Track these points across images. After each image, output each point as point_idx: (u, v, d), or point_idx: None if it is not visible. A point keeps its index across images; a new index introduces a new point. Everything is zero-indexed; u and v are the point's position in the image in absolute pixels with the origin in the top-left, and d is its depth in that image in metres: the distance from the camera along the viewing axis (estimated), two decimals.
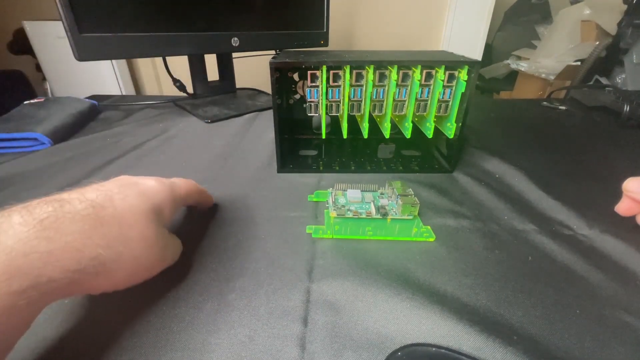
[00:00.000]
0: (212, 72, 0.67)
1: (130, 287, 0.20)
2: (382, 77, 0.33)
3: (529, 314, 0.21)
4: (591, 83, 1.09)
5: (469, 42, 1.15)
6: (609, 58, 1.08)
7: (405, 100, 0.34)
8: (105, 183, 0.21)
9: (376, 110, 0.35)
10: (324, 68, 0.32)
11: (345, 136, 0.36)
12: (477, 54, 1.18)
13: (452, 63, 0.32)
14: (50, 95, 1.23)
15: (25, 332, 0.15)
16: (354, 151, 0.44)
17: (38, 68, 1.21)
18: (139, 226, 0.19)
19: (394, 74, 0.32)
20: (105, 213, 0.18)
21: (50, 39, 1.11)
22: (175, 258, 0.23)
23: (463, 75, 0.32)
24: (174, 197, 0.23)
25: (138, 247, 0.19)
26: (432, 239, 0.27)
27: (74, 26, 0.42)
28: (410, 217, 0.29)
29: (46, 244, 0.15)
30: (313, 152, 0.43)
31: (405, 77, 0.33)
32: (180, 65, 0.64)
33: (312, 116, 0.36)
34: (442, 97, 0.33)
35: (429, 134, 0.35)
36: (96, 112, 0.60)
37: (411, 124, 0.35)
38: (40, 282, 0.14)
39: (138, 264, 0.19)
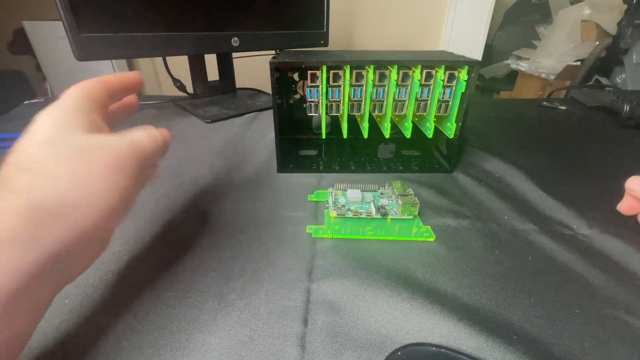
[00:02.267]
0: (212, 72, 0.67)
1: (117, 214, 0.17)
2: (382, 77, 0.33)
3: (529, 314, 0.21)
4: (591, 83, 1.09)
5: (469, 42, 1.16)
6: (609, 58, 1.08)
7: (405, 100, 0.34)
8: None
9: (376, 110, 0.35)
10: (324, 68, 0.32)
11: (345, 136, 0.36)
12: (477, 54, 1.18)
13: (452, 63, 0.32)
14: (50, 95, 1.23)
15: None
16: (354, 151, 0.44)
17: (38, 68, 1.20)
18: (57, 150, 0.16)
19: (394, 74, 0.32)
20: (20, 161, 0.16)
21: (50, 39, 1.11)
22: (135, 150, 0.18)
23: (463, 75, 0.32)
24: (73, 109, 0.18)
25: (85, 185, 0.16)
26: (432, 239, 0.27)
27: (74, 26, 0.42)
28: (410, 217, 0.29)
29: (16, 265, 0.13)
30: (313, 152, 0.43)
31: (405, 77, 0.33)
32: (180, 65, 0.64)
33: (312, 116, 0.36)
34: (442, 97, 0.33)
35: (429, 134, 0.35)
36: None
37: (411, 124, 0.35)
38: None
39: (107, 196, 0.16)
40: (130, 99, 0.25)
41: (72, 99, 0.19)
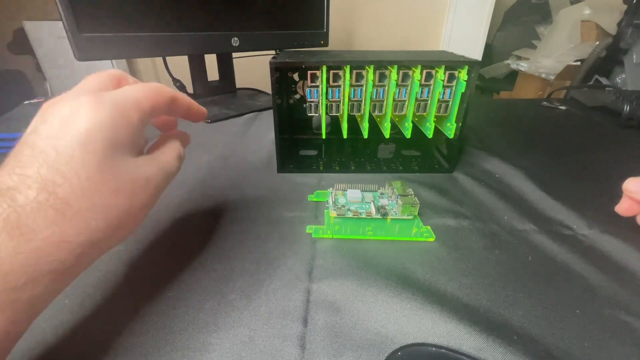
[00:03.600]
0: (212, 72, 0.67)
1: (137, 227, 0.19)
2: (382, 77, 0.33)
3: (529, 314, 0.21)
4: (591, 83, 1.09)
5: (469, 42, 1.16)
6: (609, 58, 1.08)
7: (405, 100, 0.34)
8: (34, 136, 0.15)
9: (376, 110, 0.35)
10: (324, 68, 0.32)
11: (345, 136, 0.36)
12: (477, 54, 1.18)
13: (452, 63, 0.32)
14: (50, 95, 1.23)
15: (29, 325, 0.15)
16: (354, 151, 0.44)
17: (38, 68, 1.21)
18: (106, 184, 0.16)
19: (394, 74, 0.32)
20: (62, 191, 0.14)
21: (50, 39, 1.11)
22: (169, 177, 0.20)
23: (463, 75, 0.32)
24: (125, 113, 0.17)
25: (118, 205, 0.16)
26: (432, 239, 0.27)
27: (74, 26, 0.42)
28: (410, 217, 0.29)
29: (27, 244, 0.13)
30: (313, 152, 0.43)
31: (405, 77, 0.33)
32: (180, 65, 0.64)
33: (312, 116, 0.36)
34: (442, 97, 0.33)
35: (429, 134, 0.35)
36: None
37: (411, 124, 0.35)
38: (38, 276, 0.14)
39: (130, 216, 0.17)
40: (174, 123, 0.25)
41: (135, 106, 0.18)
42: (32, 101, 0.55)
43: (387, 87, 0.33)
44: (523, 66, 1.30)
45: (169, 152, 0.21)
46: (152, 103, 0.19)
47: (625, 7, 1.03)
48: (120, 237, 0.18)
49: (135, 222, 0.18)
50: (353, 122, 0.38)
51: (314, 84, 0.33)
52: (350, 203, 0.30)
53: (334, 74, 0.32)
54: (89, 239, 0.15)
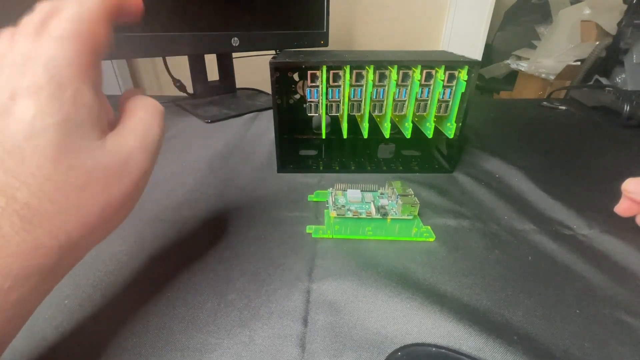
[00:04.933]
0: (212, 72, 0.67)
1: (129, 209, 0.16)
2: (382, 77, 0.33)
3: (529, 314, 0.21)
4: (591, 83, 1.09)
5: (469, 42, 1.15)
6: (609, 58, 1.08)
7: (405, 100, 0.34)
8: None
9: (376, 110, 0.35)
10: (324, 68, 0.32)
11: (345, 136, 0.36)
12: (477, 54, 1.18)
13: (452, 63, 0.32)
14: None
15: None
16: (354, 151, 0.44)
17: None
18: (65, 183, 0.13)
19: (394, 74, 0.32)
20: (20, 194, 0.12)
21: None
22: (155, 146, 0.16)
23: (463, 75, 0.32)
24: (76, 87, 0.13)
25: (95, 199, 0.14)
26: (432, 239, 0.27)
27: None
28: (410, 217, 0.29)
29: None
30: (313, 152, 0.43)
31: (405, 77, 0.33)
32: (180, 65, 0.64)
33: (312, 116, 0.36)
34: (442, 97, 0.33)
35: (429, 134, 0.35)
36: None
37: (411, 124, 0.35)
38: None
39: (114, 206, 0.15)
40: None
41: (73, 56, 0.13)
42: None
43: (387, 87, 0.33)
44: (523, 66, 1.30)
45: (145, 116, 0.16)
46: (93, 37, 0.14)
47: (625, 7, 1.03)
48: (108, 230, 0.15)
49: (122, 212, 0.15)
50: (353, 122, 0.38)
51: (314, 84, 0.33)
52: (350, 203, 0.30)
53: (334, 74, 0.32)
54: (67, 241, 0.13)
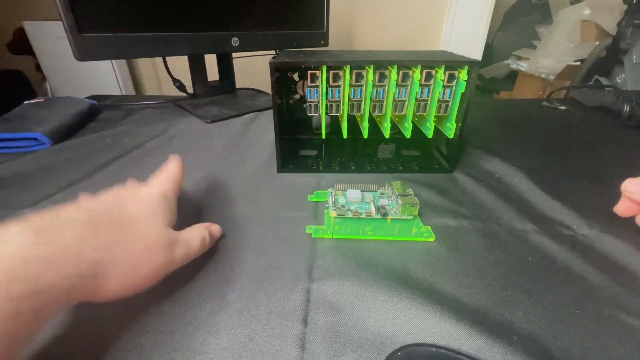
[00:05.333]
0: (212, 72, 0.67)
1: (137, 292, 0.19)
2: (382, 77, 0.33)
3: (529, 314, 0.21)
4: (591, 83, 1.09)
5: (469, 42, 1.15)
6: (609, 58, 1.09)
7: (405, 100, 0.34)
8: (105, 193, 0.21)
9: (376, 110, 0.35)
10: (324, 68, 0.32)
11: (345, 136, 0.36)
12: (477, 54, 1.18)
13: (452, 63, 0.32)
14: (50, 95, 1.23)
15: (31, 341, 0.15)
16: (354, 151, 0.44)
17: (38, 68, 1.20)
18: (136, 229, 0.20)
19: (394, 74, 0.32)
20: (102, 218, 0.18)
21: (50, 39, 1.11)
22: (189, 255, 0.23)
23: (463, 75, 0.32)
24: (167, 197, 0.24)
25: (137, 249, 0.19)
26: (432, 239, 0.27)
27: (74, 26, 0.42)
28: (410, 217, 0.29)
29: (44, 249, 0.15)
30: (313, 152, 0.43)
31: (405, 77, 0.33)
32: (180, 65, 0.64)
33: (312, 116, 0.36)
34: (442, 97, 0.33)
35: (429, 134, 0.35)
36: (96, 112, 0.60)
37: (411, 124, 0.35)
38: (41, 288, 0.14)
39: (139, 266, 0.19)
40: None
41: (169, 191, 0.25)
42: (32, 101, 0.55)
43: (387, 87, 0.33)
44: (523, 66, 1.30)
45: (194, 233, 0.24)
46: (174, 188, 0.26)
47: (625, 7, 1.03)
48: (113, 288, 0.18)
49: (135, 278, 0.19)
50: (353, 122, 0.38)
51: (314, 84, 0.33)
52: (350, 203, 0.30)
53: (334, 74, 0.32)
54: (97, 259, 0.17)
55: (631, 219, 0.28)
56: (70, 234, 0.16)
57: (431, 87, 0.33)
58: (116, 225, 0.19)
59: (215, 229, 0.27)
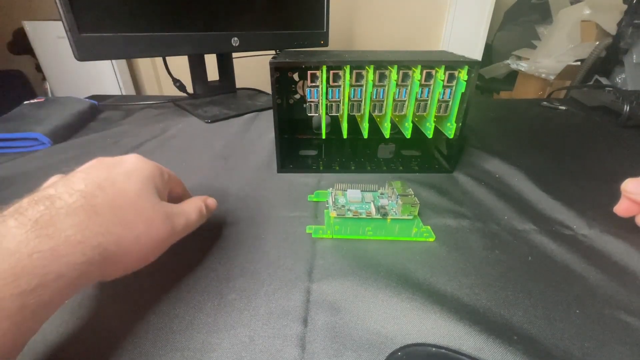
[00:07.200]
0: (212, 72, 0.67)
1: (145, 264, 0.20)
2: (382, 77, 0.33)
3: (529, 314, 0.21)
4: (591, 83, 1.09)
5: (469, 42, 1.16)
6: (609, 58, 1.08)
7: (405, 100, 0.34)
8: (89, 169, 0.20)
9: (376, 110, 0.35)
10: (324, 68, 0.32)
11: (345, 136, 0.36)
12: (477, 54, 1.18)
13: (452, 63, 0.32)
14: (50, 95, 1.23)
15: (37, 332, 0.15)
16: (354, 151, 0.44)
17: (38, 68, 1.21)
18: (133, 206, 0.19)
19: (394, 74, 0.32)
20: (97, 201, 0.18)
21: (50, 39, 1.11)
22: (188, 226, 0.23)
23: (463, 75, 0.32)
24: (160, 170, 0.23)
25: (137, 226, 0.19)
26: (432, 239, 0.27)
27: (74, 26, 0.42)
28: (410, 217, 0.29)
29: (48, 242, 0.15)
30: (313, 152, 0.43)
31: (405, 77, 0.33)
32: (180, 65, 0.64)
33: (312, 116, 0.36)
34: (442, 97, 0.33)
35: (429, 134, 0.35)
36: (96, 112, 0.60)
37: (411, 124, 0.35)
38: (48, 280, 0.14)
39: (142, 242, 0.19)
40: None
41: (164, 170, 0.24)
42: (32, 101, 0.55)
43: (387, 87, 0.33)
44: (523, 66, 1.30)
45: (191, 203, 0.24)
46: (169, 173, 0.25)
47: (625, 7, 1.03)
48: (122, 267, 0.19)
49: (141, 254, 0.20)
50: (353, 122, 0.38)
51: (314, 84, 0.33)
52: (350, 203, 0.30)
53: (334, 74, 0.32)
54: (102, 243, 0.17)
55: (631, 219, 0.28)
56: (70, 223, 0.16)
57: (431, 87, 0.33)
58: (112, 204, 0.18)
59: (211, 201, 0.27)
